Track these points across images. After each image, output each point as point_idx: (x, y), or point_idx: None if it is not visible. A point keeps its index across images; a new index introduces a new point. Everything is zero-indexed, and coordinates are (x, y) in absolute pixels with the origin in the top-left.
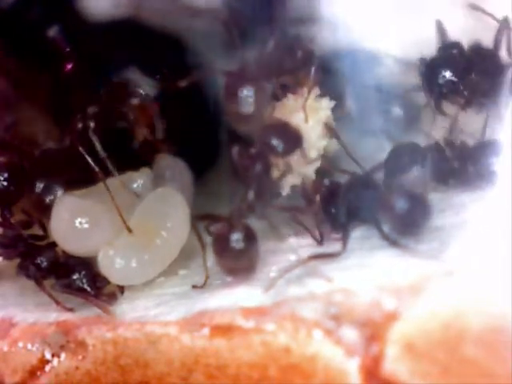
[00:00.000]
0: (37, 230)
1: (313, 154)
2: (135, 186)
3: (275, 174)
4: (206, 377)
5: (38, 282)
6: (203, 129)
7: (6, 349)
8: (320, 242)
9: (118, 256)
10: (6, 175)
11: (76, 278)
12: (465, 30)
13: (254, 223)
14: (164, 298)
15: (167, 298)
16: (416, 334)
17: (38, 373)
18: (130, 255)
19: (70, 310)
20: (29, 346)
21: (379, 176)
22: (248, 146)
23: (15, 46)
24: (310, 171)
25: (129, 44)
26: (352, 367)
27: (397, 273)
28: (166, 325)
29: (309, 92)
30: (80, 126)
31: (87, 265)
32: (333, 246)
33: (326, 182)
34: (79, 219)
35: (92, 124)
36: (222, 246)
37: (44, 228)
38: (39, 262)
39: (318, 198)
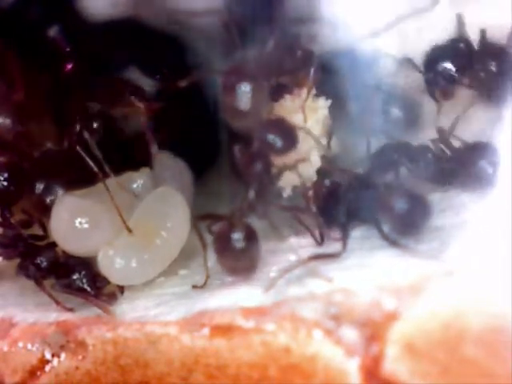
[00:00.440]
0: (37, 230)
1: (312, 154)
2: (135, 186)
3: (275, 172)
4: (206, 377)
5: (38, 282)
6: (203, 129)
7: (5, 349)
8: (320, 242)
9: (117, 256)
10: (5, 175)
11: (76, 278)
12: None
13: (255, 223)
14: (164, 297)
15: (167, 298)
16: (416, 334)
17: (38, 373)
18: (130, 255)
19: (70, 310)
20: (29, 346)
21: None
22: (248, 145)
23: (15, 46)
24: (310, 171)
25: (128, 44)
26: (352, 367)
27: (397, 273)
28: (166, 325)
29: (308, 92)
30: (78, 126)
31: (87, 265)
32: (333, 246)
33: (326, 182)
34: (79, 219)
35: (88, 124)
36: (223, 246)
37: (44, 228)
38: (39, 262)
39: (317, 198)
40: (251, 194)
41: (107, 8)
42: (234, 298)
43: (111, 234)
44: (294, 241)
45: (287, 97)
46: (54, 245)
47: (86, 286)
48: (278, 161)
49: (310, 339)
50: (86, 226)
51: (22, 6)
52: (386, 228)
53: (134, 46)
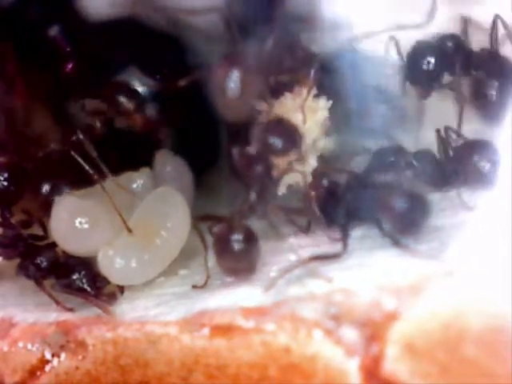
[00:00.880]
0: (37, 230)
1: (310, 154)
2: (135, 186)
3: (275, 173)
4: (206, 377)
5: (38, 282)
6: (203, 129)
7: (6, 349)
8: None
9: (117, 256)
10: (5, 175)
11: (76, 278)
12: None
13: (255, 223)
14: (164, 297)
15: (167, 298)
16: (416, 334)
17: (38, 373)
18: (130, 255)
19: (70, 310)
20: (29, 346)
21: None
22: (248, 147)
23: (15, 46)
24: (307, 172)
25: (128, 44)
26: (352, 367)
27: (397, 273)
28: (166, 325)
29: (308, 92)
30: (77, 126)
31: (87, 265)
32: (333, 247)
33: (324, 182)
34: (79, 219)
35: (85, 125)
36: (222, 247)
37: (44, 228)
38: (39, 262)
39: (316, 198)
40: (252, 196)
41: (107, 8)
42: (234, 298)
43: (111, 233)
44: (293, 241)
45: (288, 95)
46: (54, 245)
47: (86, 286)
48: (277, 161)
49: (310, 339)
50: (85, 226)
51: (21, 5)
52: (385, 228)
53: (134, 45)
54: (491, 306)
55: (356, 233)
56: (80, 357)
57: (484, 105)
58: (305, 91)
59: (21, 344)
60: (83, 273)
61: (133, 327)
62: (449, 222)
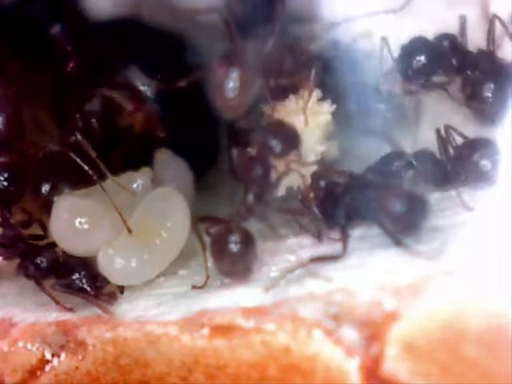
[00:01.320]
0: (37, 230)
1: (310, 157)
2: (135, 186)
3: (274, 175)
4: (205, 377)
5: (38, 282)
6: (203, 128)
7: (6, 349)
8: (319, 241)
9: (117, 256)
10: (6, 175)
11: (76, 278)
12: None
13: (253, 224)
14: (164, 297)
15: (167, 298)
16: (416, 334)
17: (38, 373)
18: (130, 255)
19: (70, 310)
20: (29, 346)
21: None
22: (247, 148)
23: (17, 45)
24: (307, 174)
25: (129, 43)
26: (352, 367)
27: (397, 273)
28: (165, 325)
29: (309, 94)
30: (76, 126)
31: (87, 265)
32: (333, 247)
33: (323, 184)
34: (79, 219)
35: (84, 124)
36: (218, 250)
37: (44, 228)
38: (39, 261)
39: (316, 200)
40: (249, 198)
41: (108, 7)
42: (234, 298)
43: (111, 233)
44: (293, 241)
45: (291, 97)
46: (53, 245)
47: (86, 286)
48: (276, 163)
49: (310, 339)
50: (85, 226)
51: (23, 4)
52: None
53: (135, 45)
54: (491, 306)
55: (356, 233)
56: (80, 357)
57: (479, 105)
58: (307, 94)
59: (21, 344)
60: (83, 273)
61: (133, 327)
62: (449, 222)
